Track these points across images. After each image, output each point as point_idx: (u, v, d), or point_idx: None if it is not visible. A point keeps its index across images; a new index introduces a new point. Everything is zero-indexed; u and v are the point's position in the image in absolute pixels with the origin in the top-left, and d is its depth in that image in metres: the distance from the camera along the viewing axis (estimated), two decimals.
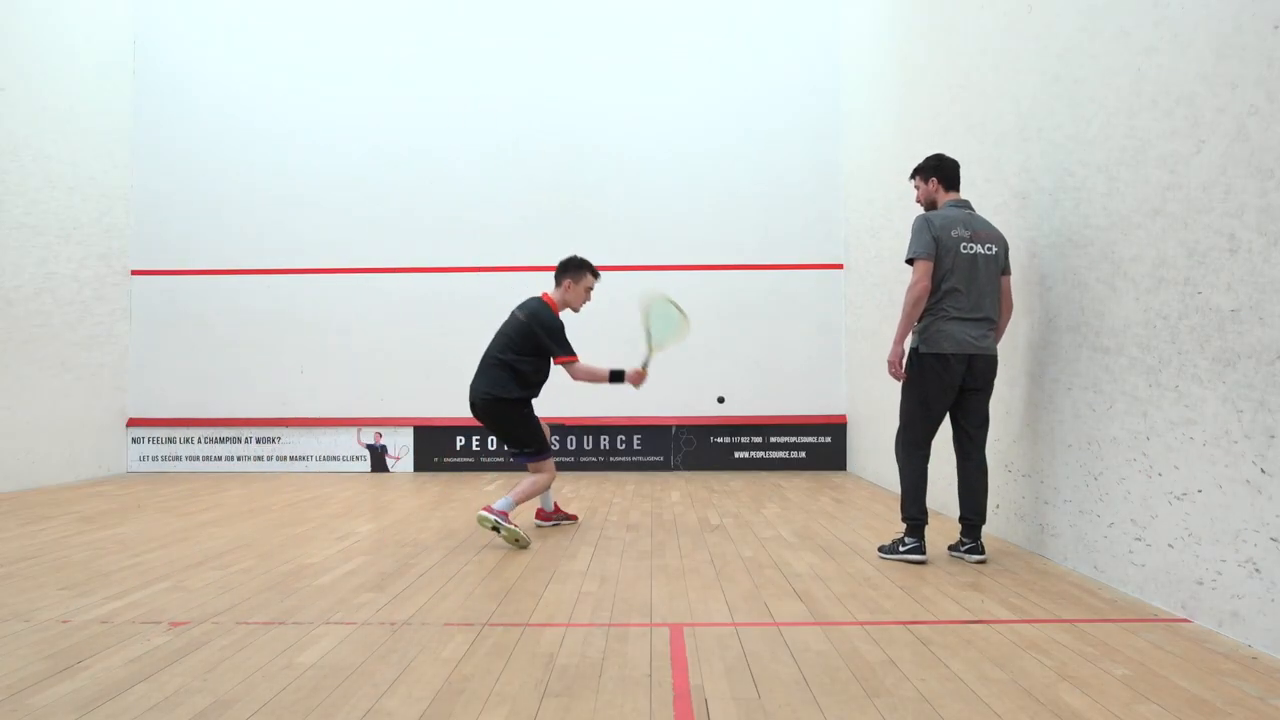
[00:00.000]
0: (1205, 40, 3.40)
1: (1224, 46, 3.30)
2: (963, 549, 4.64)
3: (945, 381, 4.57)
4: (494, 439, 5.91)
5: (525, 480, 5.37)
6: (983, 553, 4.59)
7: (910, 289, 4.56)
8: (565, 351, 5.39)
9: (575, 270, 5.56)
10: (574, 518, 6.03)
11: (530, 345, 5.36)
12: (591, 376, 5.47)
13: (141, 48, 9.71)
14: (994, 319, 4.63)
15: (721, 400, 5.20)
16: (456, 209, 9.65)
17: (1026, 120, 4.94)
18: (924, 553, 4.61)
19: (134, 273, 9.61)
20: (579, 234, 9.61)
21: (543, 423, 5.52)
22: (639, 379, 5.55)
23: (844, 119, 9.48)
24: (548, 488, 5.52)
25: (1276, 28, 3.04)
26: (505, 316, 5.54)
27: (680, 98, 9.70)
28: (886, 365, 4.77)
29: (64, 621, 3.53)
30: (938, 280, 4.53)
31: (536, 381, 5.46)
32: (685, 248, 9.59)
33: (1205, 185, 3.40)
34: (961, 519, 4.69)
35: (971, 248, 4.54)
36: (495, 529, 4.98)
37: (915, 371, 4.64)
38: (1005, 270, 4.71)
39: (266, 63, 9.77)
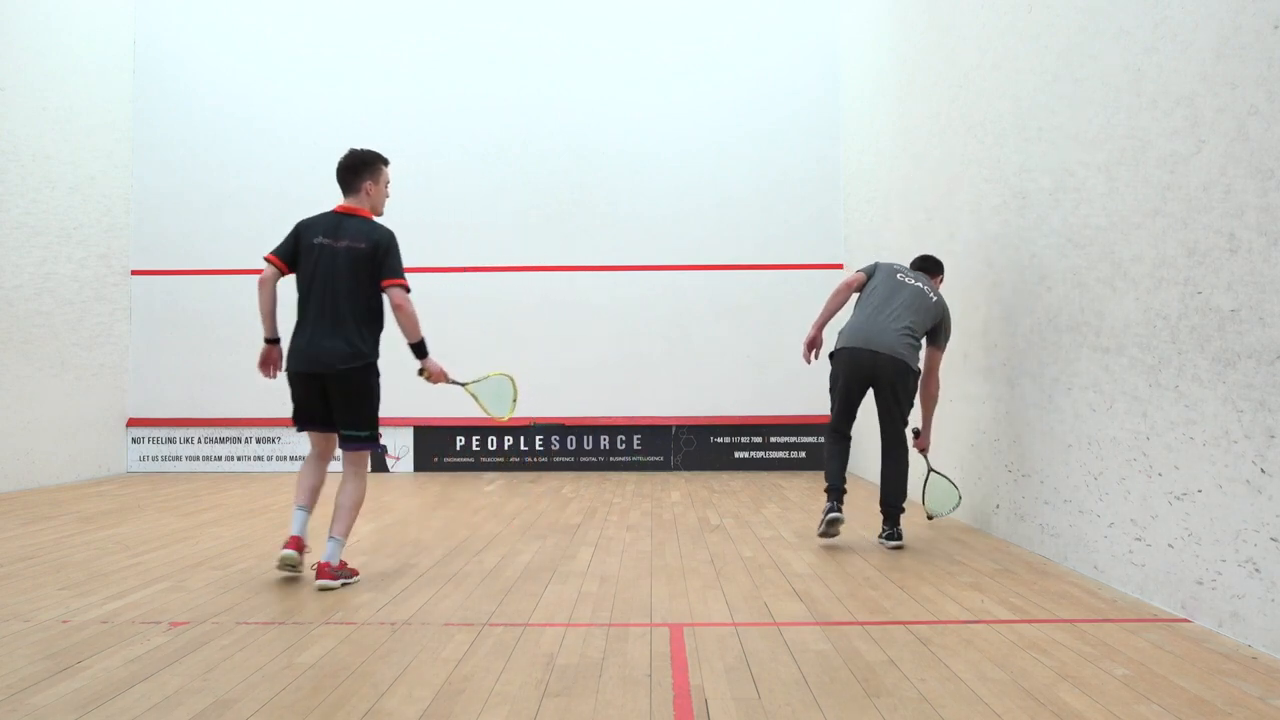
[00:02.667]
0: (1205, 40, 3.40)
1: (1224, 46, 3.30)
2: (882, 535, 5.00)
3: (847, 374, 5.02)
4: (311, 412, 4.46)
5: (346, 499, 4.28)
6: (900, 539, 4.92)
7: (836, 284, 5.33)
8: (401, 274, 4.31)
9: (373, 166, 4.38)
10: (354, 573, 4.33)
11: (372, 275, 4.25)
12: (413, 319, 4.35)
13: (141, 48, 9.71)
14: (913, 334, 4.96)
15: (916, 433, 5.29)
16: (456, 209, 9.65)
17: (1026, 120, 4.94)
18: (836, 511, 4.94)
19: (134, 273, 9.61)
20: (577, 234, 9.64)
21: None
22: (438, 374, 4.50)
23: (844, 118, 9.48)
24: (363, 494, 4.38)
25: (1276, 28, 3.04)
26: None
27: (680, 97, 9.70)
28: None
29: (64, 621, 3.53)
30: (865, 290, 5.15)
31: (379, 325, 4.38)
32: (685, 248, 9.60)
33: (1205, 185, 3.39)
34: (881, 508, 5.04)
35: (905, 278, 5.10)
36: (344, 585, 4.16)
37: (832, 366, 5.18)
38: (935, 340, 5.15)
39: (266, 62, 9.77)
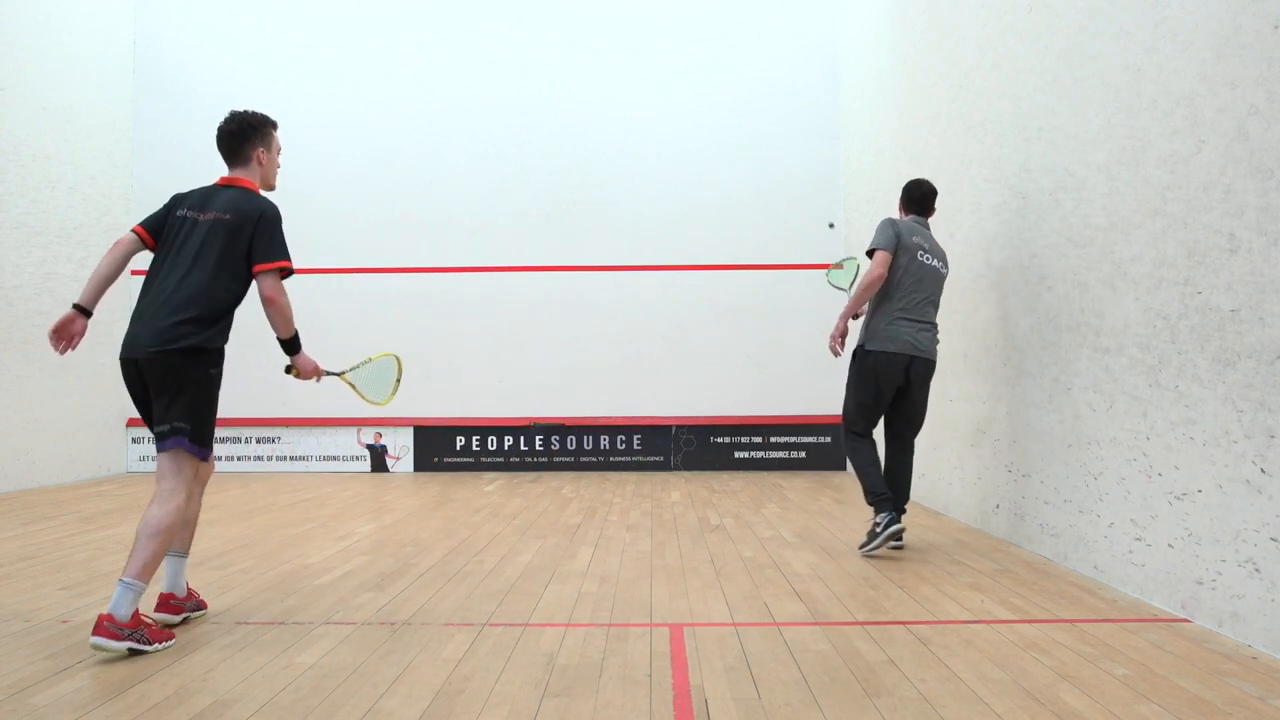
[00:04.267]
0: (1205, 40, 3.40)
1: (1224, 46, 3.30)
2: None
3: (884, 378, 4.80)
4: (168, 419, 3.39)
5: (147, 524, 3.20)
6: (900, 539, 4.84)
7: (866, 275, 4.83)
8: (284, 255, 3.63)
9: (262, 130, 3.82)
10: (203, 605, 3.69)
11: (235, 259, 3.52)
12: (285, 313, 3.62)
13: (141, 48, 9.72)
14: (936, 327, 4.92)
15: (831, 226, 5.08)
16: (456, 209, 9.66)
17: (1026, 120, 4.94)
18: (898, 523, 4.74)
19: (134, 273, 9.54)
20: (578, 234, 9.64)
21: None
22: (310, 371, 3.85)
23: (844, 119, 9.48)
24: (177, 518, 3.28)
25: (1276, 28, 3.04)
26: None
27: (680, 97, 9.70)
28: (829, 341, 5.00)
29: (64, 621, 3.53)
30: (894, 277, 4.80)
31: (230, 316, 3.58)
32: (685, 248, 9.60)
33: (1205, 185, 3.40)
34: None
35: (925, 258, 4.87)
36: (131, 652, 3.08)
37: (859, 368, 4.88)
38: None
39: (267, 62, 9.77)
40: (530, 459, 9.46)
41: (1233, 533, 3.24)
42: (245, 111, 3.81)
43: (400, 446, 9.50)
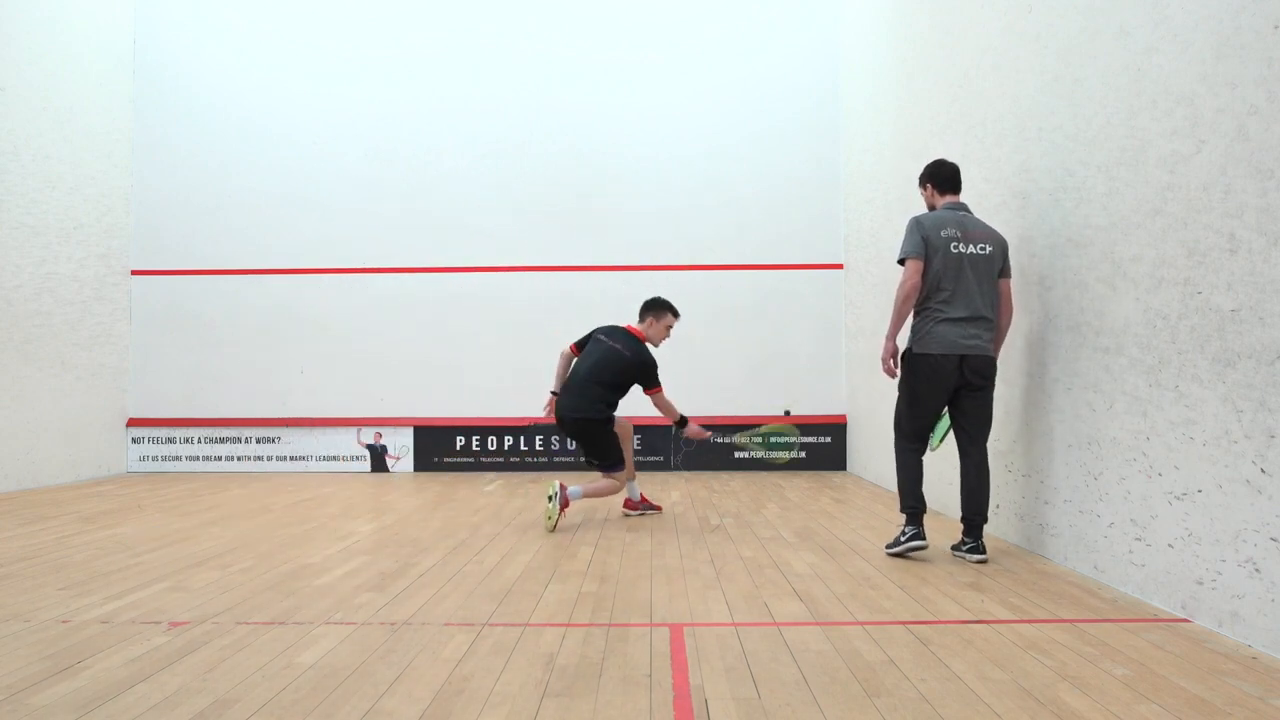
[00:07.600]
0: (1205, 40, 3.40)
1: (1224, 46, 3.30)
2: (964, 549, 4.64)
3: (934, 381, 4.62)
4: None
5: (592, 485, 6.01)
6: (984, 552, 4.60)
7: (900, 287, 4.65)
8: (657, 384, 6.12)
9: (659, 309, 6.29)
10: (658, 509, 6.45)
11: (628, 379, 6.04)
12: (667, 409, 6.18)
13: (141, 48, 9.72)
14: (989, 318, 4.63)
15: (788, 412, 5.32)
16: (456, 209, 9.66)
17: (1026, 120, 4.94)
18: (923, 539, 4.65)
19: (134, 273, 9.61)
20: (578, 234, 9.64)
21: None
22: (698, 434, 6.40)
23: (844, 119, 9.48)
24: (612, 493, 6.10)
25: (1276, 28, 3.04)
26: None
27: (680, 98, 9.70)
28: (880, 364, 4.84)
29: (64, 621, 3.53)
30: (929, 280, 4.60)
31: (617, 402, 6.11)
32: (685, 248, 9.60)
33: (1205, 185, 3.40)
34: (963, 519, 4.69)
35: (961, 247, 4.58)
36: (550, 499, 5.67)
37: (906, 370, 4.74)
38: (1004, 273, 4.72)
39: (267, 63, 9.77)
40: (530, 459, 9.46)
41: (1233, 533, 3.24)
42: (662, 298, 6.40)
43: (400, 446, 9.50)
